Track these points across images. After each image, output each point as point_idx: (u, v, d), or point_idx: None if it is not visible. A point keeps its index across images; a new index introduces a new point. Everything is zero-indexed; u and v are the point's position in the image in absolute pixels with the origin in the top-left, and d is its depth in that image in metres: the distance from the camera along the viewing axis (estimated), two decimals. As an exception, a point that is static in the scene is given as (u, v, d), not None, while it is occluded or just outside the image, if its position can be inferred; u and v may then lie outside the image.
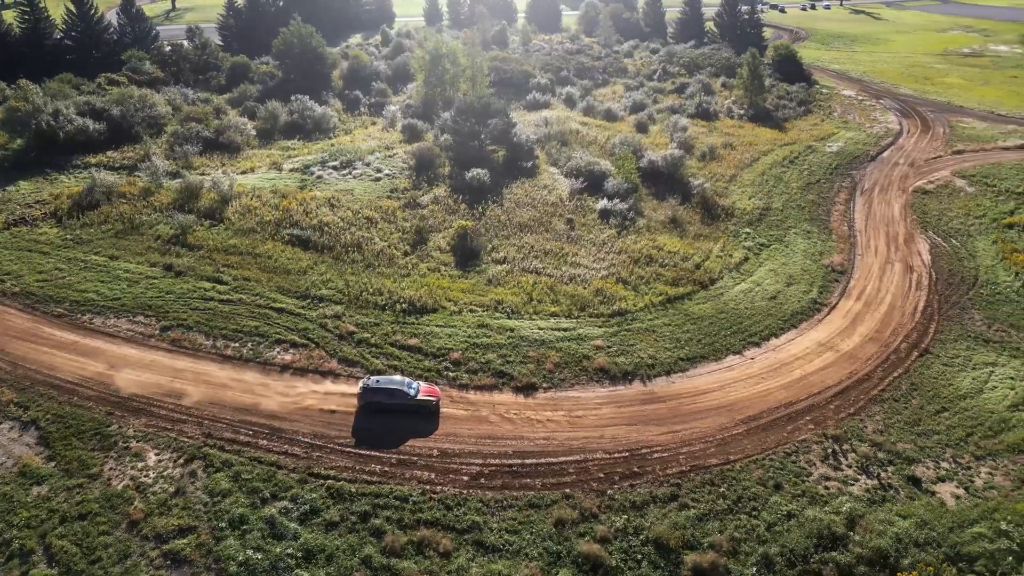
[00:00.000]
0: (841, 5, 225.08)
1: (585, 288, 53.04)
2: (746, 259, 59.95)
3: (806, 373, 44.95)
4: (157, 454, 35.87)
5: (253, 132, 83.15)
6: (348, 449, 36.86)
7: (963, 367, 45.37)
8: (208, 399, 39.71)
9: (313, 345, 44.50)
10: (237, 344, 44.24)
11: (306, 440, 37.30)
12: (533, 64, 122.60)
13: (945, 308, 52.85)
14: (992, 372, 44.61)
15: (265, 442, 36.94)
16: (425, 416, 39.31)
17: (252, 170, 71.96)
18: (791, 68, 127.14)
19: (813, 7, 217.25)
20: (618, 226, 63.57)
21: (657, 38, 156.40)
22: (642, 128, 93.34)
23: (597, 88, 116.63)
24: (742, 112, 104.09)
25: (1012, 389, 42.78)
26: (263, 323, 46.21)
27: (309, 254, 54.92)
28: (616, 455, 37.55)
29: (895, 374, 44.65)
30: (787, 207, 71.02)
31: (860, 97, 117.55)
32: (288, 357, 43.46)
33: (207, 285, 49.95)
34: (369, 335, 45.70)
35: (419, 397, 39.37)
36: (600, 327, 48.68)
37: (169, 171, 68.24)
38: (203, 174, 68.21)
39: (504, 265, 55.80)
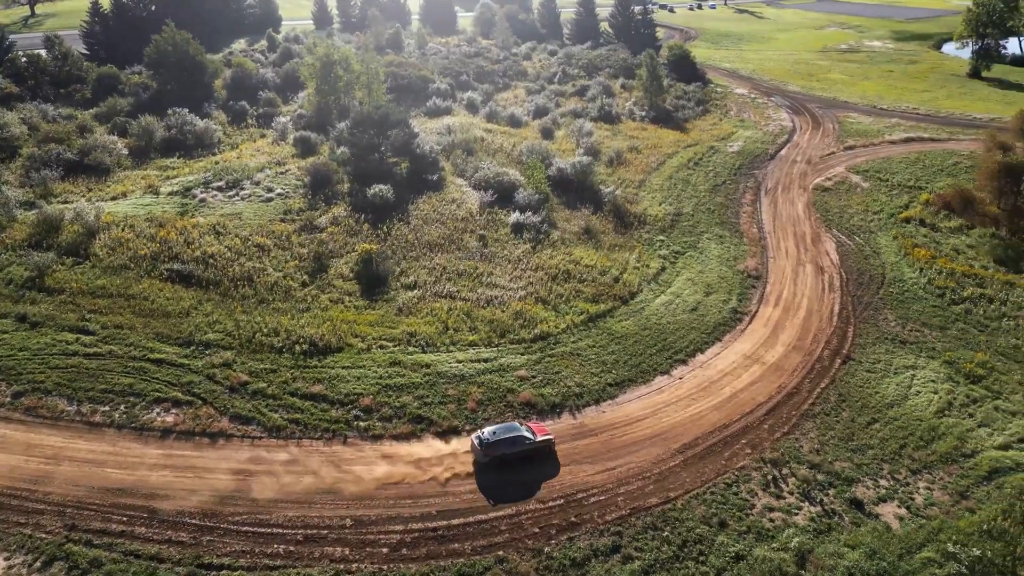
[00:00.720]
0: (726, 4, 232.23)
1: (504, 311, 49.47)
2: (663, 269, 58.11)
3: (736, 391, 43.14)
4: (7, 558, 29.52)
5: (125, 151, 74.70)
6: (246, 528, 31.66)
7: (886, 372, 44.83)
8: (72, 480, 33.42)
9: (199, 402, 38.71)
10: (107, 408, 37.86)
11: (194, 521, 31.82)
12: (431, 68, 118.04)
13: (859, 310, 52.67)
14: (914, 376, 44.26)
15: (143, 529, 31.20)
16: (544, 458, 36.67)
17: (124, 195, 64.11)
18: (686, 68, 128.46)
19: (700, 7, 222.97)
20: (532, 240, 60.38)
21: (554, 39, 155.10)
22: (547, 134, 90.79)
23: (499, 92, 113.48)
24: (643, 114, 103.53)
25: (935, 393, 42.45)
26: (139, 379, 39.95)
27: (192, 292, 48.58)
28: (551, 504, 34.16)
29: (822, 385, 43.54)
30: (697, 211, 70.05)
31: (753, 95, 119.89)
32: (170, 419, 37.53)
33: (70, 337, 42.94)
34: (265, 384, 40.33)
35: (539, 439, 36.67)
36: (523, 354, 45.23)
37: (23, 201, 59.66)
38: (65, 203, 60.06)
39: (415, 291, 51.43)
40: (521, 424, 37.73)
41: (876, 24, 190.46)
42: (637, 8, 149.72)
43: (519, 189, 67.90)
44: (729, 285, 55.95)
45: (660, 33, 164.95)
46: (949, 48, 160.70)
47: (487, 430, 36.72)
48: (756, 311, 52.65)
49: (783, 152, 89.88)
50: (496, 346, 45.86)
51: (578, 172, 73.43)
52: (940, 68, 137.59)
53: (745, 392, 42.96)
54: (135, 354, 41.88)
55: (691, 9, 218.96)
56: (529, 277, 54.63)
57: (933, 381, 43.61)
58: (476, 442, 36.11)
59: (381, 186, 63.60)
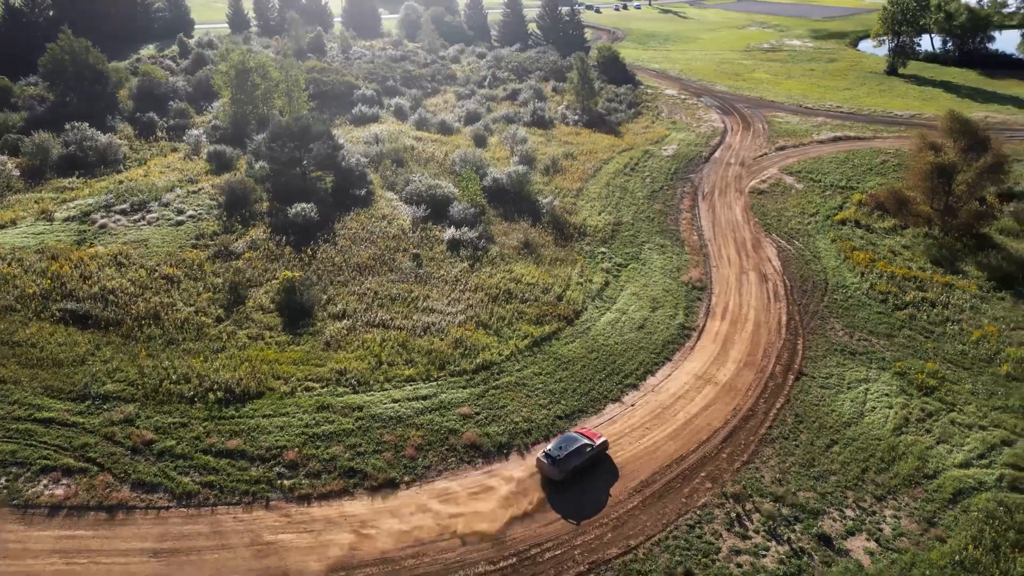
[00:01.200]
0: (650, 4, 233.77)
1: (443, 339, 45.73)
2: (607, 283, 55.47)
3: (690, 416, 40.69)
4: None
5: (16, 172, 67.41)
6: (150, 624, 27.08)
7: (839, 387, 43.25)
8: (-64, 579, 28.08)
9: (95, 468, 33.59)
10: (-17, 484, 32.40)
11: (88, 622, 27.05)
12: (356, 74, 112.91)
13: (807, 320, 51.25)
14: (867, 390, 42.80)
15: (24, 637, 26.26)
16: (602, 463, 36.55)
17: (13, 223, 57.26)
18: (616, 70, 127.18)
19: (625, 7, 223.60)
20: (470, 257, 56.81)
21: (482, 41, 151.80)
22: (480, 141, 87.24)
23: (428, 97, 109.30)
24: (576, 118, 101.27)
25: (890, 408, 41.04)
26: (23, 444, 34.48)
27: (89, 334, 42.95)
28: (503, 564, 30.74)
29: (778, 405, 41.56)
30: (637, 220, 67.86)
31: (682, 96, 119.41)
32: (60, 492, 32.32)
33: (-61, 398, 37.02)
34: (174, 442, 35.45)
35: (597, 443, 36.47)
36: (465, 388, 41.65)
37: None
38: (-60, 235, 53.13)
39: (344, 321, 47.10)
40: (575, 432, 37.17)
41: (795, 23, 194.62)
42: (564, 9, 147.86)
43: (454, 202, 64.21)
44: (675, 298, 53.73)
45: (588, 34, 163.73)
46: (865, 46, 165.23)
47: (551, 447, 35.78)
48: (704, 325, 50.54)
49: (717, 154, 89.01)
50: (435, 380, 42.11)
51: (514, 182, 70.26)
52: (859, 66, 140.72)
53: (700, 417, 40.56)
54: (19, 414, 36.28)
55: (617, 10, 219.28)
56: (468, 299, 51.04)
57: (887, 395, 42.23)
58: (547, 461, 34.88)
59: (304, 204, 58.82)
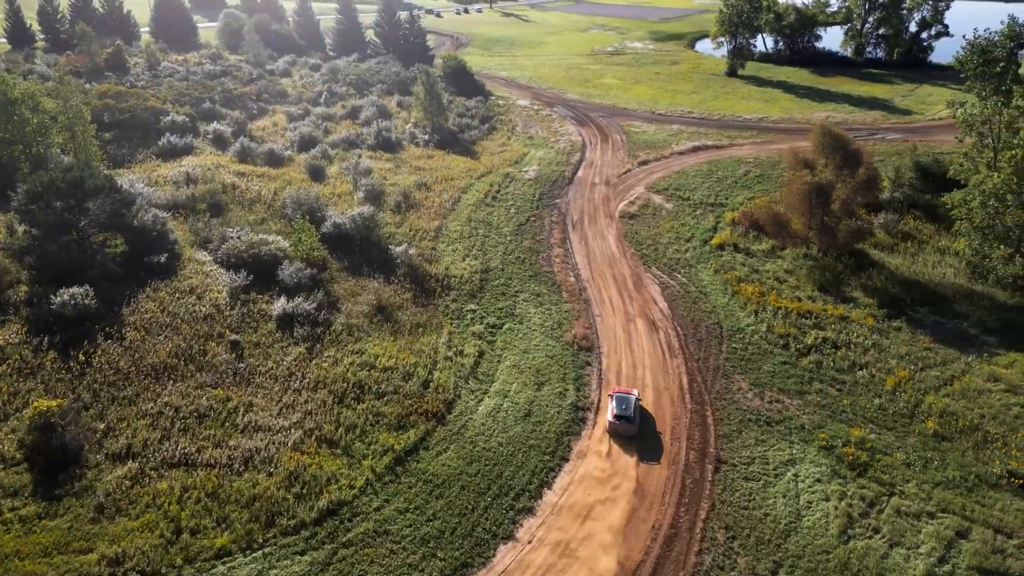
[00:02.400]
0: (491, 7, 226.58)
1: (271, 475, 33.69)
2: (482, 355, 45.43)
3: (603, 547, 31.55)
4: None
5: None
6: None
7: (766, 476, 35.91)
8: None
9: None
10: None
11: None
12: (165, 96, 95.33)
13: (709, 379, 43.98)
14: (797, 477, 35.76)
15: None
16: None
17: None
18: (464, 80, 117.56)
19: (467, 11, 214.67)
20: (308, 338, 44.69)
21: (315, 52, 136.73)
22: (317, 173, 74.17)
23: (254, 120, 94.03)
24: (427, 137, 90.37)
25: (827, 500, 34.12)
26: None
27: None
28: None
29: (702, 516, 33.37)
30: (507, 263, 58.36)
31: (536, 106, 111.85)
32: None
33: None
34: None
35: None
36: (303, 553, 30.01)
37: None
38: None
39: (129, 464, 33.70)
40: (624, 392, 40.36)
41: (634, 25, 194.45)
42: (403, 15, 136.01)
43: (284, 262, 51.55)
44: (561, 367, 44.67)
45: (431, 40, 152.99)
46: (703, 47, 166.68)
47: (616, 406, 38.79)
48: (599, 400, 41.82)
49: (580, 173, 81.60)
50: (261, 547, 30.13)
51: (360, 227, 58.58)
52: (700, 68, 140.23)
53: (614, 550, 31.52)
54: None
55: (458, 13, 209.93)
56: (306, 402, 39.10)
57: (819, 481, 35.37)
58: (622, 417, 38.19)
59: (75, 289, 43.88)
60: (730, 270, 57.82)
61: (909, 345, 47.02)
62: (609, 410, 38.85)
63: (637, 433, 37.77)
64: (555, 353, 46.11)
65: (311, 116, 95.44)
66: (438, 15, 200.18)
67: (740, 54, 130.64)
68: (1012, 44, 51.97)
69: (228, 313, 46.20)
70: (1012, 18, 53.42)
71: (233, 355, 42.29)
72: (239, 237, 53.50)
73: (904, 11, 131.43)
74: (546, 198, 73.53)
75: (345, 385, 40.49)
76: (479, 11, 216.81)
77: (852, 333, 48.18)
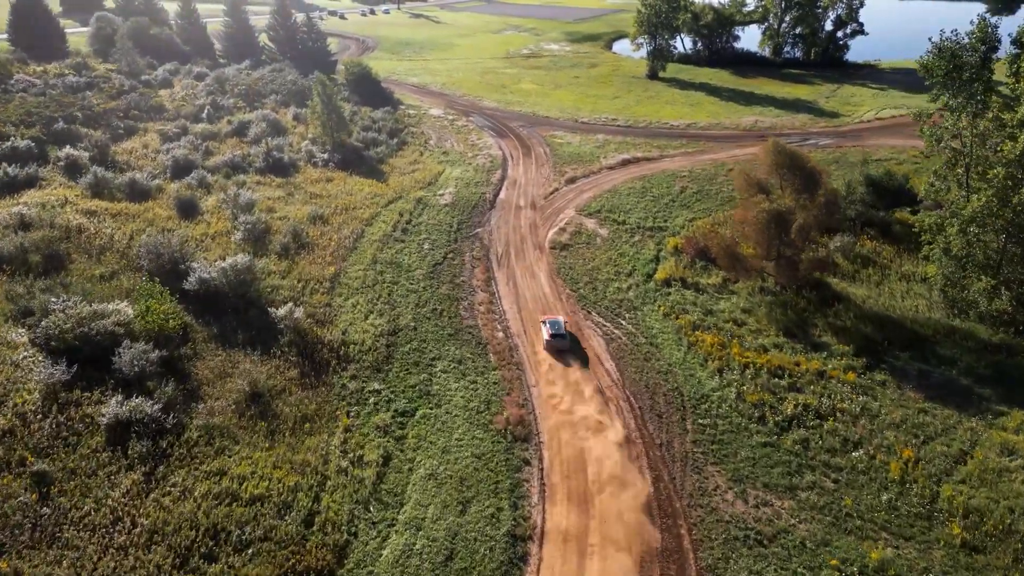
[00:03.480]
0: (399, 8, 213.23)
1: None
2: (386, 462, 34.51)
3: None
4: None
5: None
6: None
7: (771, 632, 26.73)
8: None
9: None
10: None
11: None
12: (10, 115, 79.12)
13: (677, 475, 34.62)
14: (811, 631, 26.74)
15: None
16: None
17: None
18: (370, 88, 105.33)
19: (373, 12, 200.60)
20: (148, 456, 32.59)
21: (202, 59, 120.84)
22: (189, 208, 60.93)
23: (119, 142, 79.22)
24: (326, 156, 78.07)
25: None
26: None
27: None
28: None
29: None
30: (421, 318, 47.47)
31: (450, 116, 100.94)
32: None
33: None
34: None
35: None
36: None
37: None
38: None
39: None
40: (552, 318, 46.46)
41: (549, 26, 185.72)
42: (300, 17, 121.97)
43: (126, 341, 38.96)
44: (492, 472, 34.28)
45: (333, 44, 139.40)
46: (620, 48, 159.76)
47: (551, 327, 45.06)
48: (543, 523, 31.67)
49: (503, 195, 71.38)
50: None
51: (234, 282, 46.42)
52: (620, 70, 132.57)
53: None
54: None
55: (364, 15, 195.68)
56: (134, 569, 27.19)
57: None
58: (554, 335, 44.57)
59: None
60: (681, 313, 48.93)
61: (901, 407, 39.10)
62: (544, 332, 45.12)
63: (569, 347, 44.31)
64: (483, 450, 35.64)
65: (189, 135, 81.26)
66: (342, 17, 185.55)
67: (660, 56, 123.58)
68: (984, 48, 44.97)
69: (37, 426, 33.48)
70: (983, 18, 46.53)
71: (35, 495, 29.80)
72: (64, 310, 40.37)
73: (819, 10, 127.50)
74: (466, 227, 62.94)
75: (194, 534, 28.76)
76: (386, 12, 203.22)
77: (835, 395, 39.90)
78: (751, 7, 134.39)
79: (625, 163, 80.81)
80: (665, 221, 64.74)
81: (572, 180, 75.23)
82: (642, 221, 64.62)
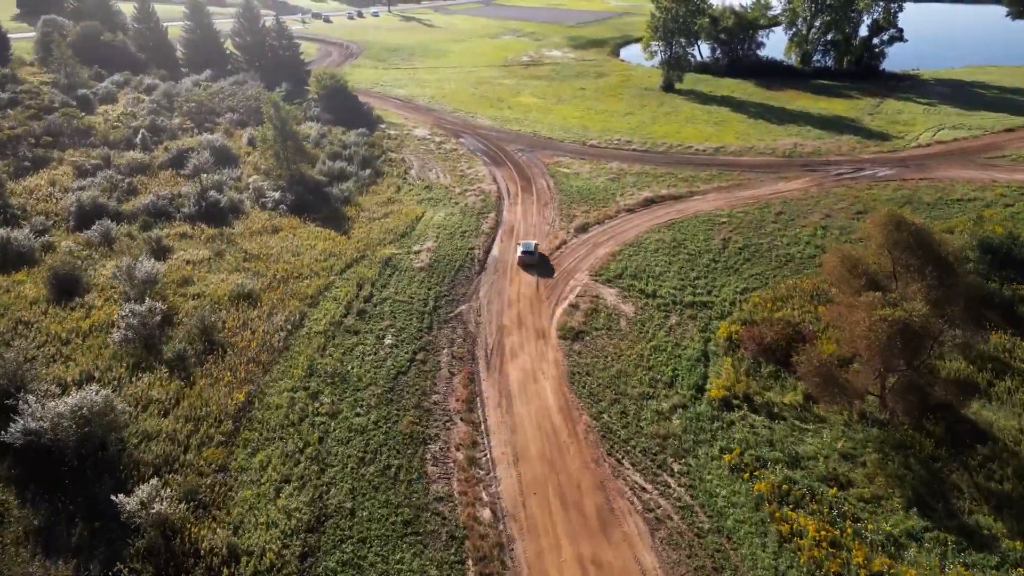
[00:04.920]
0: (390, 11, 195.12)
1: None
2: None
3: None
4: None
5: None
6: None
7: None
8: None
9: None
10: None
11: None
12: None
13: None
14: None
15: None
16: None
17: None
18: (345, 104, 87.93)
19: (361, 15, 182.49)
20: None
21: (159, 68, 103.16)
22: (68, 286, 43.46)
23: (23, 177, 62.04)
24: (278, 195, 60.84)
25: None
26: None
27: None
28: None
29: None
30: (362, 493, 29.91)
31: (437, 137, 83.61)
32: None
33: None
34: None
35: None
36: None
37: None
38: None
39: None
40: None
41: (550, 30, 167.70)
42: (268, 21, 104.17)
43: None
44: None
45: (313, 50, 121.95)
46: (627, 54, 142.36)
47: (525, 246, 50.63)
48: None
49: (496, 251, 54.20)
50: None
51: (74, 436, 29.14)
52: (631, 81, 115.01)
53: None
54: None
55: (351, 18, 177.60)
56: None
57: None
58: (524, 252, 50.17)
59: None
60: (757, 466, 31.82)
61: None
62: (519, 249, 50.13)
63: (537, 262, 49.68)
64: None
65: (111, 168, 63.92)
66: (327, 20, 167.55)
67: (677, 65, 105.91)
68: None
69: None
70: None
71: None
72: None
73: (854, 13, 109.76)
74: (446, 304, 45.74)
75: None
76: (376, 15, 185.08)
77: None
78: (777, 10, 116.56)
79: (648, 203, 63.49)
80: (709, 292, 47.58)
81: (583, 228, 57.93)
82: (678, 293, 47.43)
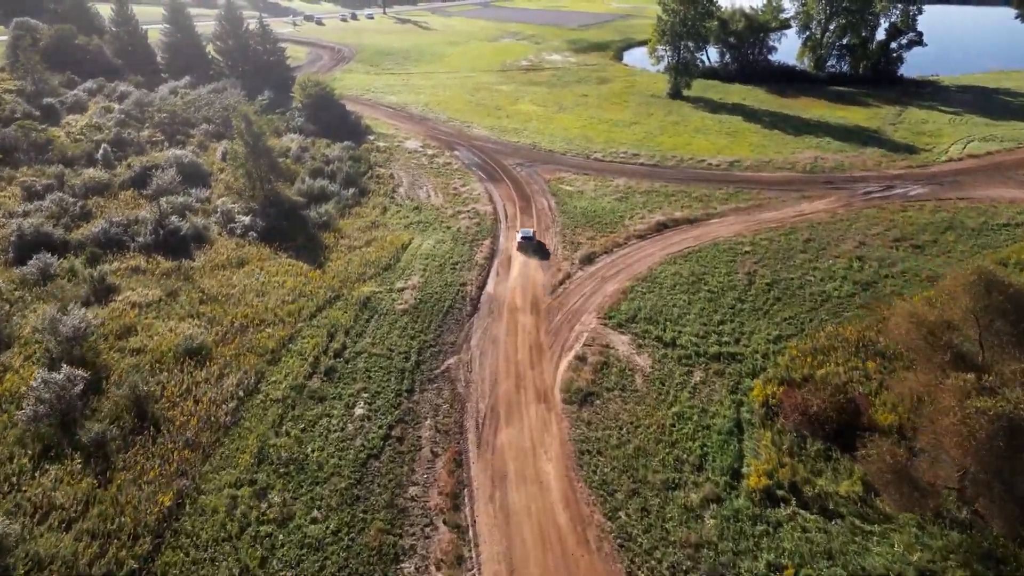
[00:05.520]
0: (385, 13, 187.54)
1: None
2: None
3: None
4: None
5: None
6: None
7: None
8: None
9: None
10: None
11: None
12: None
13: None
14: None
15: None
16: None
17: None
18: (331, 114, 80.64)
19: (355, 17, 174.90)
20: None
21: (136, 74, 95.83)
22: (-19, 340, 36.41)
23: (-38, 200, 54.59)
24: (248, 219, 53.62)
25: None
26: None
27: None
28: None
29: None
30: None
31: (429, 150, 76.37)
32: None
33: None
34: None
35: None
36: None
37: None
38: None
39: None
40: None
41: (550, 33, 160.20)
42: (252, 23, 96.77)
43: None
44: None
45: (303, 54, 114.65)
46: (632, 58, 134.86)
47: (524, 232, 51.52)
48: None
49: (491, 287, 47.00)
50: None
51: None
52: (636, 87, 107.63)
53: None
54: None
55: (344, 20, 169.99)
56: None
57: None
58: (524, 239, 51.15)
59: None
60: (817, 595, 24.65)
61: None
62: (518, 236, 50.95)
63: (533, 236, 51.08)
64: None
65: (63, 190, 56.70)
66: (319, 22, 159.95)
67: (685, 71, 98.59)
68: None
69: None
70: None
71: None
72: None
73: (871, 16, 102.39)
74: (430, 357, 38.54)
75: None
76: (370, 17, 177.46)
77: None
78: (789, 12, 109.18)
79: (660, 227, 56.27)
80: (736, 341, 40.41)
81: (589, 259, 50.70)
82: (701, 342, 40.25)
